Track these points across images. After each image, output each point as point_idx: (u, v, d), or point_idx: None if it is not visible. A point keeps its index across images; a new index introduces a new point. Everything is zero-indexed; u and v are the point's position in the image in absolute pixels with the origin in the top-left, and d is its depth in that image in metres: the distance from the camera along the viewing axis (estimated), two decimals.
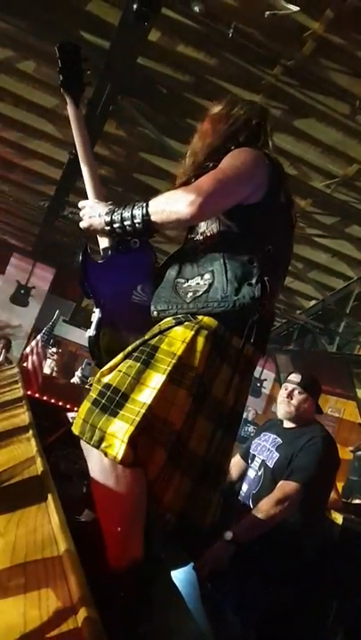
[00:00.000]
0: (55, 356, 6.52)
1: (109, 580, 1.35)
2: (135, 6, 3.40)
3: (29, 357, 5.51)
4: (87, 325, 1.67)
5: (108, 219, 1.58)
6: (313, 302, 8.54)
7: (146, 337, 1.52)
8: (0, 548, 1.04)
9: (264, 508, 2.41)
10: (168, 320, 1.54)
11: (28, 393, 3.61)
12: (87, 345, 1.65)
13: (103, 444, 1.37)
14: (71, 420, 3.47)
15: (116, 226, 1.57)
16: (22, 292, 10.15)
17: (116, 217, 1.56)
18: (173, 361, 1.44)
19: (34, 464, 1.58)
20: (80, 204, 1.68)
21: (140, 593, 1.40)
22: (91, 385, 1.58)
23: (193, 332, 1.48)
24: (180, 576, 1.94)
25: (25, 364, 5.38)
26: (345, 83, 4.54)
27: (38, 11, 4.66)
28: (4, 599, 0.86)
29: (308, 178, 5.93)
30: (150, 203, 1.51)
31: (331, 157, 5.56)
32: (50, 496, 1.27)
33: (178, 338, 1.48)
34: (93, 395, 1.46)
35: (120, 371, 1.46)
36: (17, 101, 5.95)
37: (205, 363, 1.49)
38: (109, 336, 1.63)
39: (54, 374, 6.56)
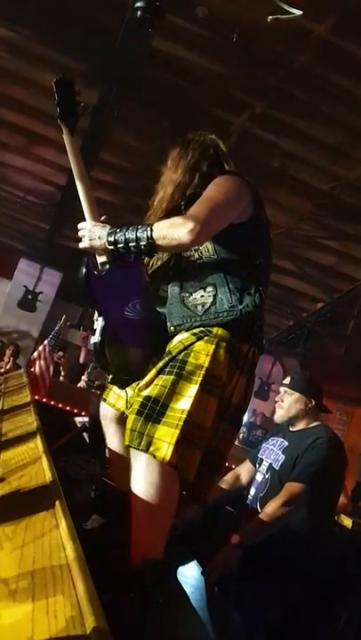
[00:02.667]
0: (62, 360, 6.53)
1: (119, 581, 1.37)
2: (139, 13, 3.42)
3: (37, 362, 5.52)
4: (94, 330, 1.74)
5: (111, 239, 1.71)
6: (320, 305, 8.51)
7: (173, 353, 1.70)
8: (8, 553, 1.04)
9: (270, 510, 2.42)
10: (188, 337, 1.73)
11: (36, 398, 3.62)
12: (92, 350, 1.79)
13: (151, 448, 1.54)
14: (79, 425, 3.48)
15: (120, 246, 1.70)
16: (30, 297, 10.18)
17: (120, 237, 1.70)
18: (203, 372, 1.63)
19: (42, 469, 1.58)
20: (79, 226, 1.82)
21: (148, 595, 1.41)
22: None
23: (214, 346, 1.68)
24: (188, 581, 1.95)
25: (32, 369, 5.40)
26: (349, 85, 4.53)
27: (43, 19, 4.69)
28: (12, 604, 0.86)
29: (313, 180, 5.92)
30: (154, 228, 1.66)
31: (336, 159, 5.55)
32: (58, 501, 1.28)
33: (202, 352, 1.67)
34: (136, 407, 1.62)
35: (157, 384, 1.64)
36: (23, 108, 5.99)
37: (227, 372, 1.68)
38: (111, 345, 1.75)
39: (61, 378, 6.58)
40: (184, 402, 1.59)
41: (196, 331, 1.73)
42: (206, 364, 1.64)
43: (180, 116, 5.17)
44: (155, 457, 1.53)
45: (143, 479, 1.56)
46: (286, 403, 2.77)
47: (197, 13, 3.98)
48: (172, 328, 1.83)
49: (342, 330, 8.17)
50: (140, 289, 1.84)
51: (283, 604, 2.43)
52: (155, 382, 1.66)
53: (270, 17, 3.17)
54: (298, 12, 3.08)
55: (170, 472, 1.54)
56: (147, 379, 1.69)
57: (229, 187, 1.77)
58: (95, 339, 1.73)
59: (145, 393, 1.64)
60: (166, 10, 3.55)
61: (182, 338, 1.74)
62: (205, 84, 4.94)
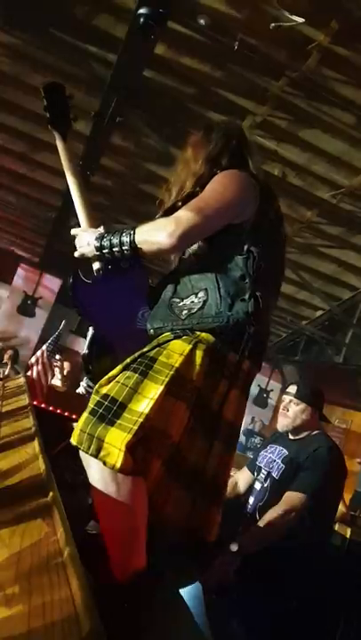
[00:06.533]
0: (59, 363, 6.51)
1: (113, 591, 1.34)
2: (142, 20, 3.44)
3: (34, 367, 5.52)
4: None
5: (97, 244, 1.62)
6: (319, 313, 8.52)
7: (144, 349, 1.53)
8: (5, 559, 1.03)
9: (270, 519, 2.40)
10: (166, 334, 1.57)
11: (34, 403, 3.60)
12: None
13: (101, 453, 1.38)
14: None
15: (105, 252, 1.61)
16: (29, 302, 10.18)
17: (106, 243, 1.60)
18: (171, 372, 1.46)
19: (39, 474, 1.57)
20: (72, 232, 1.73)
21: (143, 604, 1.39)
22: None
23: (191, 346, 1.50)
24: (185, 588, 1.93)
25: (30, 374, 5.39)
26: (350, 93, 4.56)
27: (47, 25, 4.72)
28: (8, 609, 0.85)
29: (313, 188, 5.94)
30: (137, 231, 1.56)
31: (336, 168, 5.57)
32: (55, 507, 1.27)
33: (176, 350, 1.50)
34: (91, 405, 1.47)
35: (118, 382, 1.48)
36: (25, 114, 6.01)
37: (204, 376, 1.51)
38: (105, 357, 1.67)
39: (58, 382, 6.56)
40: (144, 404, 1.41)
41: (176, 331, 1.56)
42: (177, 365, 1.47)
43: (181, 122, 5.19)
44: (105, 464, 1.37)
45: (101, 488, 1.41)
46: (292, 412, 2.72)
47: (200, 21, 4.01)
48: (151, 331, 1.65)
49: (341, 337, 8.18)
50: (143, 294, 1.75)
51: (281, 613, 2.41)
52: (117, 379, 1.48)
53: (273, 25, 3.19)
54: (300, 20, 3.10)
55: (127, 478, 1.38)
56: (110, 374, 1.51)
57: (227, 184, 1.62)
58: (84, 350, 1.66)
59: (104, 390, 1.48)
60: (169, 17, 3.57)
61: (160, 336, 1.59)
62: (207, 91, 4.97)
